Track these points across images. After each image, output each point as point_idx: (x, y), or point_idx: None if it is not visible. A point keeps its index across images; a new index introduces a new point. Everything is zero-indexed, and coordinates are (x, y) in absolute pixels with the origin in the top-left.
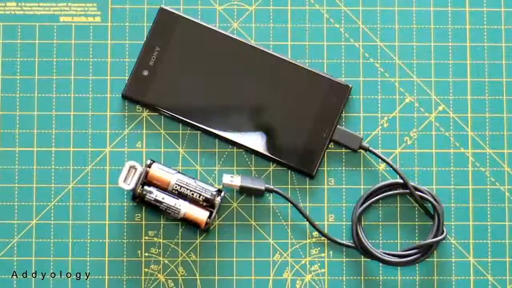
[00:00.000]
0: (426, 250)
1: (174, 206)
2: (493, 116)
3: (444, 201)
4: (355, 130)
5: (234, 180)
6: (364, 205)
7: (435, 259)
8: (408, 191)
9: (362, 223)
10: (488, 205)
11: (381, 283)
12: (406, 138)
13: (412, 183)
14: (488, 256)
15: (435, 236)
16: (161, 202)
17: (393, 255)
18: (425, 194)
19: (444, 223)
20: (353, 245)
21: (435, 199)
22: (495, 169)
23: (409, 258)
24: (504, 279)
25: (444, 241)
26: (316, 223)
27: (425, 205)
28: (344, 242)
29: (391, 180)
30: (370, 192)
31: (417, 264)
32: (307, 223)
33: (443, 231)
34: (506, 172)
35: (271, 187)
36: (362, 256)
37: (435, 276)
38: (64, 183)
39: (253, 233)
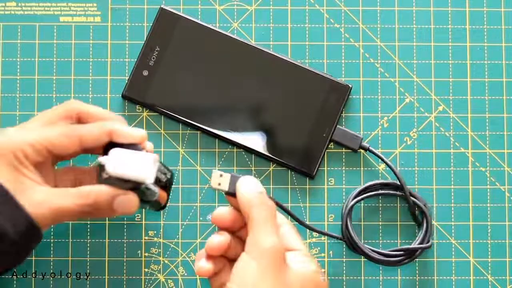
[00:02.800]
0: (410, 254)
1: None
2: (493, 116)
3: (444, 201)
4: (355, 130)
5: (222, 183)
6: (357, 199)
7: (435, 259)
8: (402, 193)
9: (363, 222)
10: (488, 205)
11: (381, 283)
12: (406, 138)
13: (409, 187)
14: (488, 256)
15: (421, 243)
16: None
17: (379, 253)
18: (419, 201)
19: (445, 223)
20: (340, 236)
21: (426, 207)
22: (495, 169)
23: (393, 259)
24: (504, 279)
25: (428, 249)
26: (312, 222)
27: (415, 212)
28: (331, 233)
29: (389, 180)
30: (365, 186)
31: (416, 264)
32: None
33: (429, 240)
34: (506, 172)
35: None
36: (363, 257)
37: (435, 276)
38: None
39: None
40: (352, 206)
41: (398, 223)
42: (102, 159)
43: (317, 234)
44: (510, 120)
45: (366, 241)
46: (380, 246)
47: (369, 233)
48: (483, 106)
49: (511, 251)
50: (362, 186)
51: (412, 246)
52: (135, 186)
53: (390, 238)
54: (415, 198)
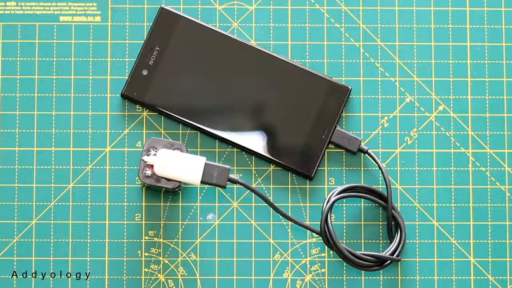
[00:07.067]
0: (380, 263)
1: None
2: (494, 115)
3: (444, 201)
4: (355, 130)
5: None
6: (340, 195)
7: (435, 259)
8: (384, 204)
9: (364, 222)
10: (488, 205)
11: (381, 283)
12: (406, 138)
13: (410, 186)
14: (489, 256)
15: (391, 254)
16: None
17: (352, 253)
18: (398, 217)
19: (445, 223)
20: (317, 231)
21: (403, 224)
22: (495, 169)
23: (363, 262)
24: (505, 279)
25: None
26: (312, 223)
27: (392, 223)
28: (309, 226)
29: (378, 189)
30: (352, 186)
31: (417, 264)
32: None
33: (399, 254)
34: (507, 171)
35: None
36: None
37: (435, 276)
38: (64, 183)
39: (253, 233)
40: (333, 202)
41: (380, 225)
42: (149, 159)
43: (317, 234)
44: (511, 120)
45: (348, 241)
46: (363, 248)
47: (373, 232)
48: (483, 106)
49: None
50: (350, 185)
51: (384, 255)
52: (173, 185)
53: (371, 239)
54: (396, 212)
